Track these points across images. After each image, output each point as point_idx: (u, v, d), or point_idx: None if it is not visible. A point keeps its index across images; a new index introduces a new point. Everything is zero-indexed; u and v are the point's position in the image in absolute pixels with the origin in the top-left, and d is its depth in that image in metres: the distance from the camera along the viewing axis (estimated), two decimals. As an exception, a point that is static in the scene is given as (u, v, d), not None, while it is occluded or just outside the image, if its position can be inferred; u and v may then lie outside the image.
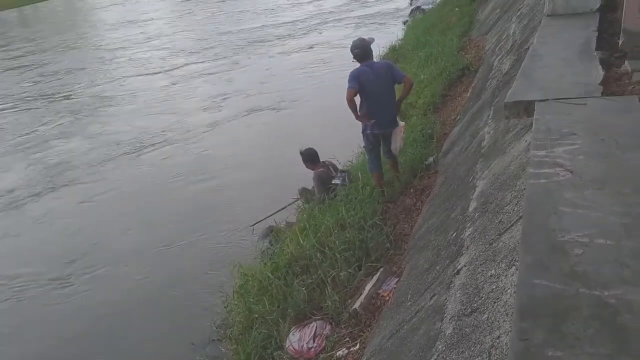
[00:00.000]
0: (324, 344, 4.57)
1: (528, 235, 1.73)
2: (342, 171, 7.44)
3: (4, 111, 16.42)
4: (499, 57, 8.14)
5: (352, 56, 6.17)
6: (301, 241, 5.97)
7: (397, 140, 6.27)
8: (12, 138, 13.96)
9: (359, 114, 6.07)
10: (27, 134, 14.04)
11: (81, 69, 21.16)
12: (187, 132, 12.81)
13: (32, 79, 20.50)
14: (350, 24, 23.71)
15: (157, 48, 23.52)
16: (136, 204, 9.64)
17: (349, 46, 6.21)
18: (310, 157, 7.41)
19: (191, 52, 21.84)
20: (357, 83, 5.90)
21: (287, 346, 4.74)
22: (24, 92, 18.47)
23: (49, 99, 17.18)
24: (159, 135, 12.74)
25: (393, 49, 14.23)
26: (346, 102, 5.93)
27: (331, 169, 7.40)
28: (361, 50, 6.07)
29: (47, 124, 14.64)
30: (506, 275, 2.89)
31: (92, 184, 10.50)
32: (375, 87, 5.99)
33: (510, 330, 2.47)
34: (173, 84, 17.32)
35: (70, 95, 17.41)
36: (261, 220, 7.64)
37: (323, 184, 7.09)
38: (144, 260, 8.01)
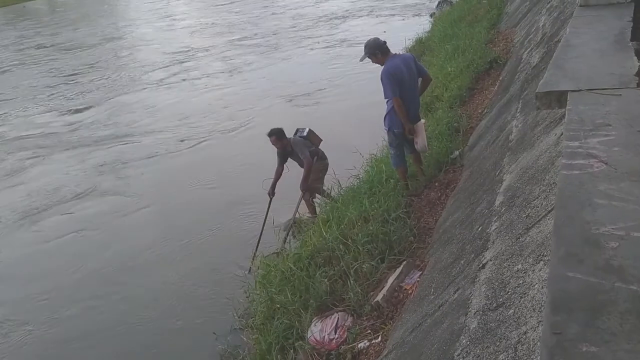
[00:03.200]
0: (345, 336, 4.54)
1: (561, 227, 1.67)
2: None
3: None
4: (528, 50, 8.01)
5: (367, 57, 6.08)
6: (324, 233, 5.95)
7: (423, 138, 6.20)
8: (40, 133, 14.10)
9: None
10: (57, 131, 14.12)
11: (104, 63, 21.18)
12: (220, 127, 12.79)
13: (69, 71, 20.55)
14: (375, 15, 23.61)
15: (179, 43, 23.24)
16: (162, 200, 9.73)
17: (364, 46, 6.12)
18: (282, 132, 7.64)
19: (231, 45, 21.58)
20: (395, 82, 5.83)
21: (308, 337, 4.73)
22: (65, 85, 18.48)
23: (74, 98, 17.06)
24: (182, 132, 12.75)
25: (420, 42, 14.13)
26: (396, 108, 5.92)
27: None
28: (380, 48, 6.00)
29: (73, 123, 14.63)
30: (533, 270, 2.83)
31: (120, 182, 10.55)
32: (407, 79, 5.93)
33: (538, 326, 2.43)
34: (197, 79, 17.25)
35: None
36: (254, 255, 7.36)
37: (304, 144, 7.59)
38: (168, 252, 8.07)
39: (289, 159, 7.84)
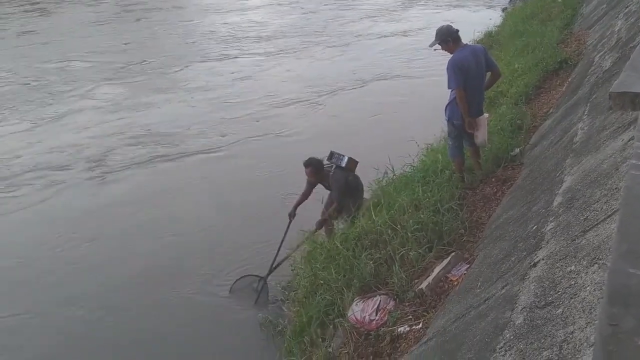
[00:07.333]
0: (386, 318, 4.57)
1: (625, 224, 1.65)
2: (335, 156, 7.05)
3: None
4: (601, 54, 7.78)
5: (438, 43, 5.97)
6: (373, 216, 5.97)
7: (484, 133, 6.11)
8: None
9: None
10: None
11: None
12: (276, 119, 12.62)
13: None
14: (444, 6, 23.24)
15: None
16: (221, 178, 9.86)
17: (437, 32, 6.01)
18: (321, 165, 7.00)
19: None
20: (461, 74, 5.74)
21: (349, 315, 4.77)
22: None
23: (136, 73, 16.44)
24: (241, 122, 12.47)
25: (489, 35, 13.92)
26: (458, 100, 5.85)
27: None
28: (452, 35, 5.91)
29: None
30: (587, 272, 2.80)
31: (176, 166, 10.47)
32: (473, 71, 5.84)
33: (586, 327, 2.41)
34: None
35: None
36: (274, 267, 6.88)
37: (344, 177, 6.91)
38: (219, 220, 8.30)
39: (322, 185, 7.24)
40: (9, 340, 6.24)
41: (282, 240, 6.92)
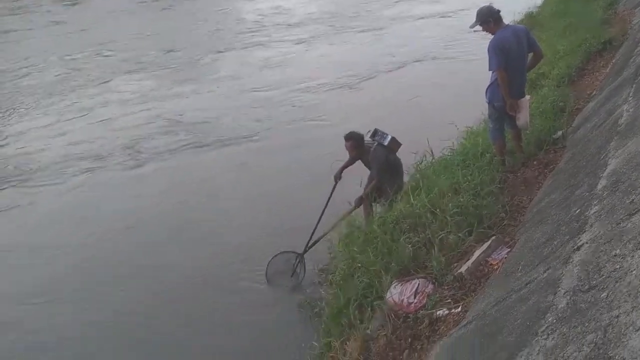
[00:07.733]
0: (424, 301, 4.55)
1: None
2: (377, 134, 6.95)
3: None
4: (648, 34, 7.56)
5: (479, 24, 5.86)
6: (412, 200, 5.94)
7: (526, 115, 6.00)
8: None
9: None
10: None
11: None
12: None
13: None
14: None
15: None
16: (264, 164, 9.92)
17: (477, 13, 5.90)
18: (362, 140, 6.95)
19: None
20: (502, 55, 5.65)
21: (387, 297, 4.78)
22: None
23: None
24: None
25: (530, 16, 13.61)
26: (499, 81, 5.75)
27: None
28: (493, 16, 5.81)
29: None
30: (633, 256, 2.76)
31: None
32: (515, 52, 5.74)
33: (632, 311, 2.38)
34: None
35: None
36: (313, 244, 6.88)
37: (384, 155, 6.85)
38: (256, 205, 8.39)
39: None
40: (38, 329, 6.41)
41: (327, 203, 6.88)
